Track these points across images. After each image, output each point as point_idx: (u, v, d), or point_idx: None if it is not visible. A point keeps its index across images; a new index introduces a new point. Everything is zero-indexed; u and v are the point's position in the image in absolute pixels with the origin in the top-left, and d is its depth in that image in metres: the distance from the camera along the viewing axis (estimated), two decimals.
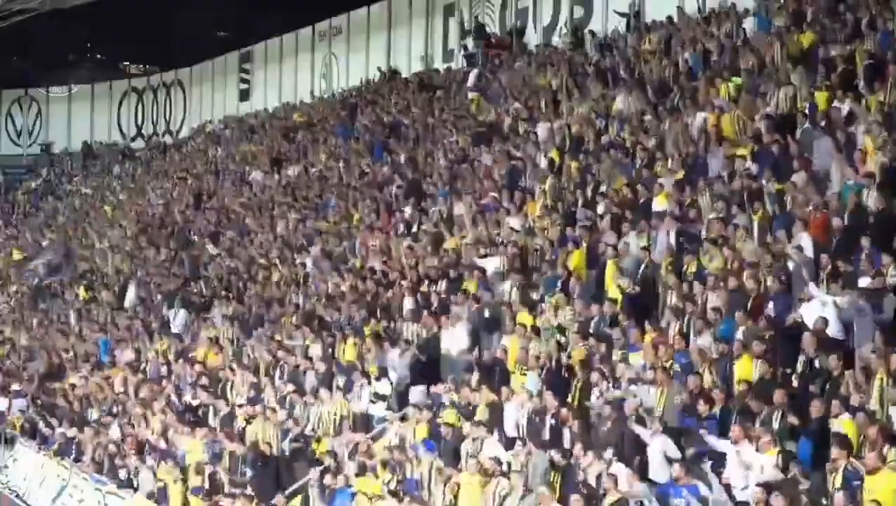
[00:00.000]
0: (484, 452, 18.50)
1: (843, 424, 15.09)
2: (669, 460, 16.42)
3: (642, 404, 17.64)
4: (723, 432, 16.35)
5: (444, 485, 18.35)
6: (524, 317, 21.52)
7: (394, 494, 18.87)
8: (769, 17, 27.34)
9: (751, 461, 15.58)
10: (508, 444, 18.83)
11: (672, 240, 21.02)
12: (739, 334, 17.77)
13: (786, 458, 15.41)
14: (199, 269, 34.80)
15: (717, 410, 16.83)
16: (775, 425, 15.98)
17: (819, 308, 17.23)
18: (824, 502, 14.69)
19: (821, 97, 22.02)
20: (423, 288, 24.73)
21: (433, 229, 27.53)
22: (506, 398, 19.68)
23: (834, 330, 17.06)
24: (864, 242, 17.84)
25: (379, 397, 22.09)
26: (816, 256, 18.26)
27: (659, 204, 22.40)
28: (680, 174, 22.92)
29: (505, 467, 17.92)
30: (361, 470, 20.10)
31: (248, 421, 23.43)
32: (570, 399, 18.76)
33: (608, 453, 16.80)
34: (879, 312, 16.83)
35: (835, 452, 14.64)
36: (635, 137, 25.45)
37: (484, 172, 28.85)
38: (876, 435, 14.61)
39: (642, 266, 20.92)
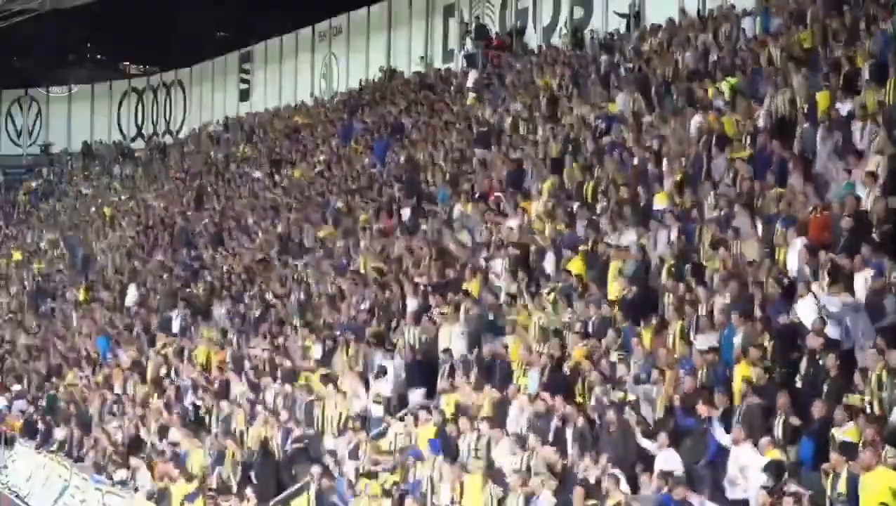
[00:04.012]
0: (494, 451, 18.49)
1: (847, 433, 15.06)
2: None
3: (643, 403, 17.66)
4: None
5: (451, 484, 18.32)
6: (525, 317, 21.53)
7: (389, 494, 18.89)
8: (769, 17, 27.32)
9: (748, 463, 15.60)
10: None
11: (672, 241, 21.00)
12: (739, 336, 17.77)
13: (785, 458, 15.44)
14: (199, 269, 34.80)
15: (718, 411, 16.81)
16: (777, 426, 16.00)
17: (816, 309, 17.24)
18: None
19: (821, 98, 22.02)
20: (424, 288, 24.71)
21: (433, 230, 27.53)
22: (507, 398, 19.68)
23: (831, 331, 17.05)
24: (865, 243, 17.84)
25: (379, 397, 22.08)
26: (816, 258, 18.24)
27: (659, 205, 22.42)
28: (680, 175, 22.91)
29: (505, 469, 17.93)
30: (362, 470, 20.11)
31: (248, 422, 23.44)
32: (571, 400, 18.73)
33: (603, 459, 16.78)
34: (880, 314, 16.82)
35: (834, 457, 14.66)
36: (635, 137, 25.44)
37: (484, 173, 28.87)
38: (874, 434, 14.63)
39: (643, 267, 20.92)
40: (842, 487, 14.36)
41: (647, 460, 16.85)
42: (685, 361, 18.04)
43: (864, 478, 14.16)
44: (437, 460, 18.82)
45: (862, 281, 17.35)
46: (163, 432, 25.33)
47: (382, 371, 22.56)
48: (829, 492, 14.52)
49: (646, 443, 17.03)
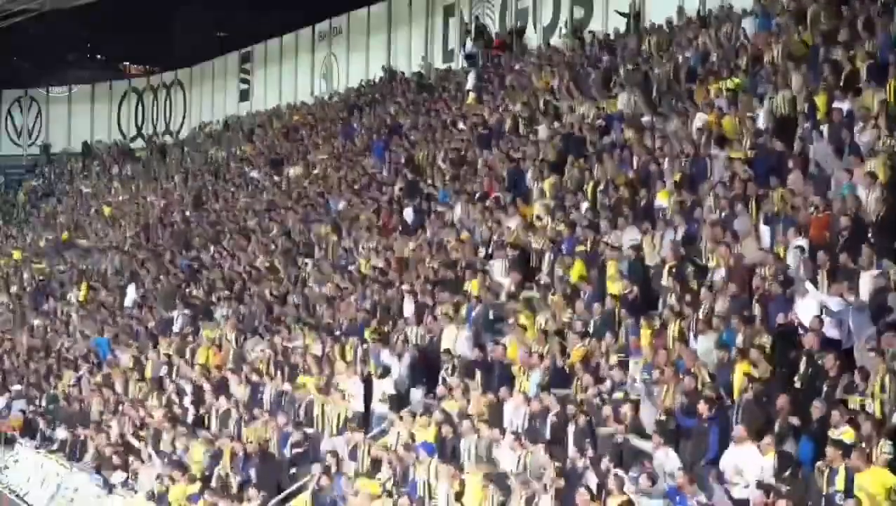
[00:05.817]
0: (494, 453, 18.46)
1: (844, 435, 15.05)
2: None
3: (643, 403, 17.65)
4: (724, 433, 16.33)
5: (449, 483, 18.31)
6: (525, 318, 21.52)
7: (390, 494, 18.87)
8: (769, 17, 27.32)
9: (746, 461, 15.58)
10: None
11: (673, 241, 20.98)
12: (739, 336, 17.75)
13: (784, 459, 15.42)
14: (199, 269, 34.78)
15: (716, 410, 16.80)
16: (776, 426, 15.98)
17: (814, 308, 17.23)
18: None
19: (821, 98, 22.01)
20: (424, 289, 24.69)
21: (434, 230, 27.51)
22: (505, 399, 19.67)
23: (830, 330, 17.06)
24: (866, 242, 17.83)
25: (385, 395, 22.06)
26: (816, 257, 18.23)
27: (660, 204, 22.39)
28: (680, 175, 22.90)
29: (506, 469, 17.92)
30: (362, 470, 20.10)
31: (248, 422, 23.42)
32: (571, 401, 18.72)
33: (605, 461, 16.76)
34: (882, 312, 16.82)
35: (830, 452, 14.67)
36: (636, 137, 25.42)
37: (484, 173, 28.85)
38: (870, 432, 14.65)
39: (643, 268, 20.90)
40: (839, 483, 14.38)
41: (646, 459, 16.85)
42: (684, 362, 18.04)
43: (860, 478, 14.22)
44: (434, 463, 18.81)
45: (867, 280, 17.34)
46: (162, 431, 25.31)
47: (386, 371, 22.55)
48: (824, 489, 14.54)
49: (640, 443, 17.01)
